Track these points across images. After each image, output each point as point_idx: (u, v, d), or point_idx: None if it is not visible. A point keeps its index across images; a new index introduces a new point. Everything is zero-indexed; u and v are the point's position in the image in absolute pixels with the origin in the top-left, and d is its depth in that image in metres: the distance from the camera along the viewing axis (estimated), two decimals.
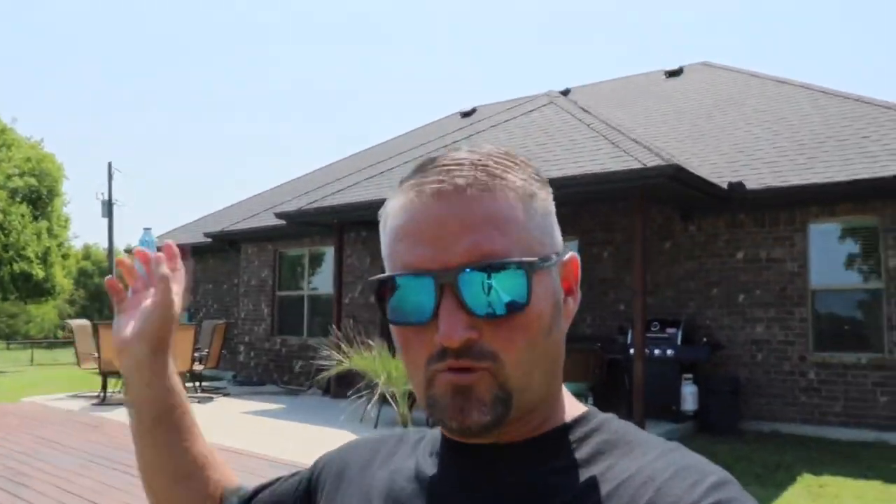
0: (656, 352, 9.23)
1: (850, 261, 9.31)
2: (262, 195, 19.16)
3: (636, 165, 8.59)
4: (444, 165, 0.74)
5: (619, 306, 10.53)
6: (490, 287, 0.69)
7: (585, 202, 10.52)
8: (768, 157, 10.21)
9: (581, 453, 0.73)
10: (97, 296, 50.68)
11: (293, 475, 0.99)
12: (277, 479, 1.00)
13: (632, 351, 8.98)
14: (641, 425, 7.62)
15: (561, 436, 0.75)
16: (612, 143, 9.77)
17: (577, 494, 0.69)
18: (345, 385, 10.35)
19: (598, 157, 9.48)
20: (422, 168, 0.77)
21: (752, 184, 9.45)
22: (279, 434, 8.56)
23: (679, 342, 9.37)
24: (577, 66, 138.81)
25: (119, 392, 11.99)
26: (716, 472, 0.66)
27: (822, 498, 5.96)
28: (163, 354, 0.97)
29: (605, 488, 0.67)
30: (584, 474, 0.70)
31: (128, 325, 0.95)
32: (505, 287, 0.69)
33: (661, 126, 13.07)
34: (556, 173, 9.50)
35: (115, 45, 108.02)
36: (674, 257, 10.22)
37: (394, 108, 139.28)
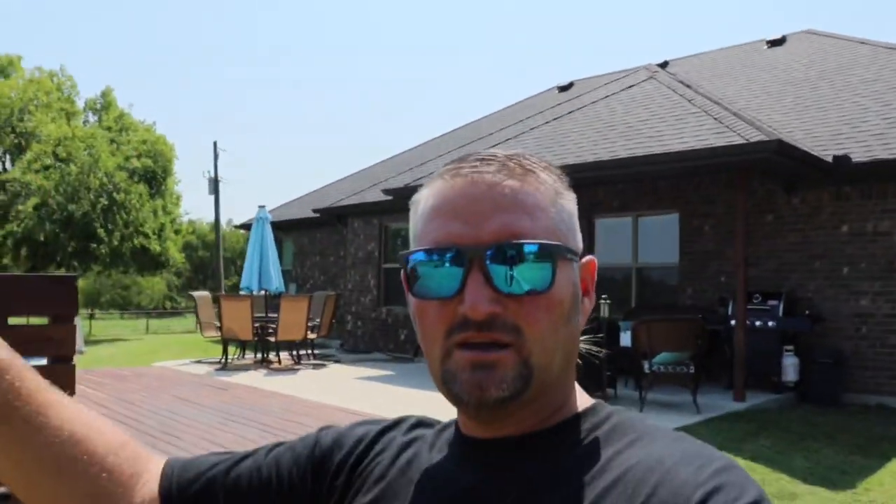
0: (757, 323, 9.35)
1: None
2: (366, 171, 19.86)
3: (738, 140, 8.69)
4: (480, 157, 0.78)
5: (721, 278, 10.65)
6: (517, 266, 0.71)
7: (686, 175, 10.64)
8: (877, 129, 10.07)
9: (591, 441, 0.74)
10: (200, 268, 52.94)
11: (301, 439, 0.96)
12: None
13: (733, 322, 9.14)
14: (742, 395, 7.83)
15: (574, 425, 0.77)
16: (714, 118, 9.85)
17: (587, 480, 0.70)
18: None
19: (700, 132, 9.58)
20: (457, 160, 0.80)
21: (858, 156, 9.38)
22: (389, 397, 9.14)
23: (780, 314, 9.45)
24: (676, 38, 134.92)
25: (238, 359, 12.90)
26: (721, 458, 0.67)
27: None
28: None
29: (613, 473, 0.69)
30: (594, 460, 0.72)
31: None
32: (531, 267, 0.72)
33: (764, 98, 12.95)
34: (658, 149, 9.67)
35: (222, 32, 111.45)
36: (776, 230, 10.24)
37: (491, 83, 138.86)
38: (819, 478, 5.94)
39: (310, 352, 13.12)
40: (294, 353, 12.68)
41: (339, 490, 0.87)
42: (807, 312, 9.62)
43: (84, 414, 0.80)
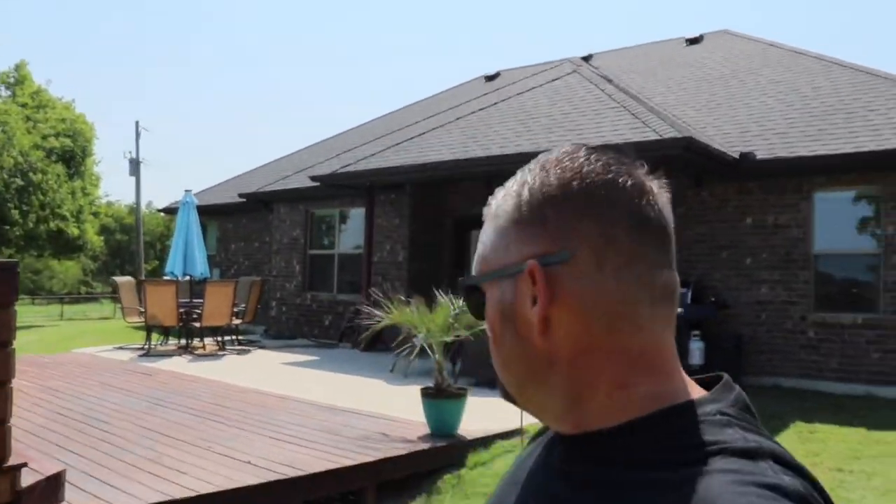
0: None
1: (852, 227, 9.86)
2: (292, 156, 19.81)
3: (653, 136, 9.16)
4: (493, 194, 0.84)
5: None
6: (467, 304, 0.84)
7: None
8: (779, 128, 10.71)
9: (608, 461, 0.71)
10: (118, 252, 51.51)
11: None
12: None
13: None
14: None
15: (594, 438, 0.73)
16: (632, 113, 10.32)
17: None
18: (374, 339, 11.11)
19: (618, 127, 10.04)
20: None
21: (762, 153, 9.98)
22: (317, 381, 9.33)
23: (688, 301, 10.01)
24: (602, 31, 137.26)
25: (162, 344, 12.84)
26: None
27: (811, 442, 6.62)
28: None
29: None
30: (595, 485, 0.70)
31: None
32: (471, 304, 0.83)
33: (681, 94, 13.54)
34: (578, 142, 10.06)
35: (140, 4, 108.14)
36: (686, 222, 10.79)
37: (420, 69, 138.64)
38: None
39: (234, 337, 13.16)
40: (219, 338, 12.70)
41: None
42: (712, 300, 10.22)
43: None
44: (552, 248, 0.73)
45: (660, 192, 0.77)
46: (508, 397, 0.80)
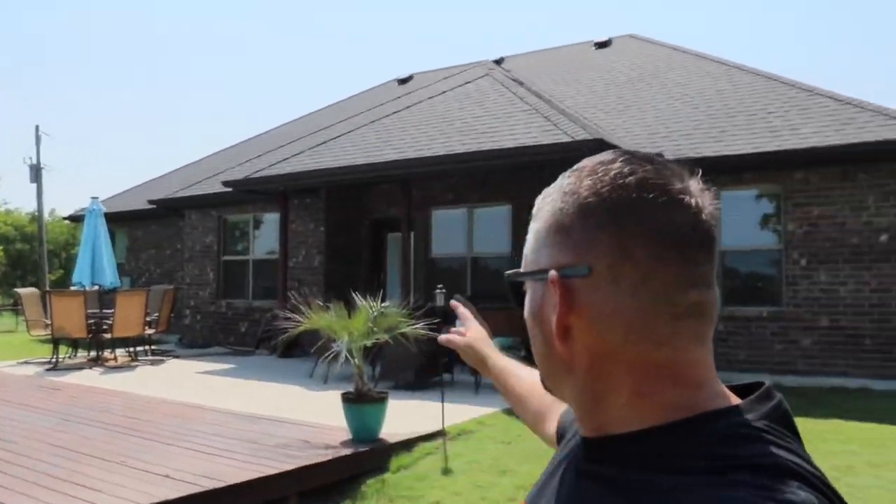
0: None
1: (755, 224, 10.32)
2: (203, 161, 19.40)
3: (564, 139, 9.36)
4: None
5: None
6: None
7: (517, 170, 11.28)
8: (685, 129, 11.10)
9: (631, 468, 0.70)
10: (19, 262, 49.33)
11: None
12: None
13: None
14: None
15: (612, 442, 0.73)
16: (543, 116, 10.52)
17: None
18: (292, 345, 11.00)
19: (530, 129, 10.21)
20: None
21: (669, 154, 10.31)
22: (235, 390, 9.16)
23: None
24: (509, 33, 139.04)
25: (70, 357, 12.35)
26: None
27: None
28: (482, 351, 1.40)
29: None
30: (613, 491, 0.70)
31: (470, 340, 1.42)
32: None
33: (590, 96, 13.86)
34: (490, 145, 10.22)
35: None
36: None
37: (328, 72, 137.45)
38: None
39: (147, 348, 12.78)
40: (131, 349, 12.31)
41: None
42: None
43: (526, 373, 1.33)
44: (574, 259, 0.73)
45: (704, 204, 0.73)
46: (545, 385, 0.83)
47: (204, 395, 8.64)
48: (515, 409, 1.36)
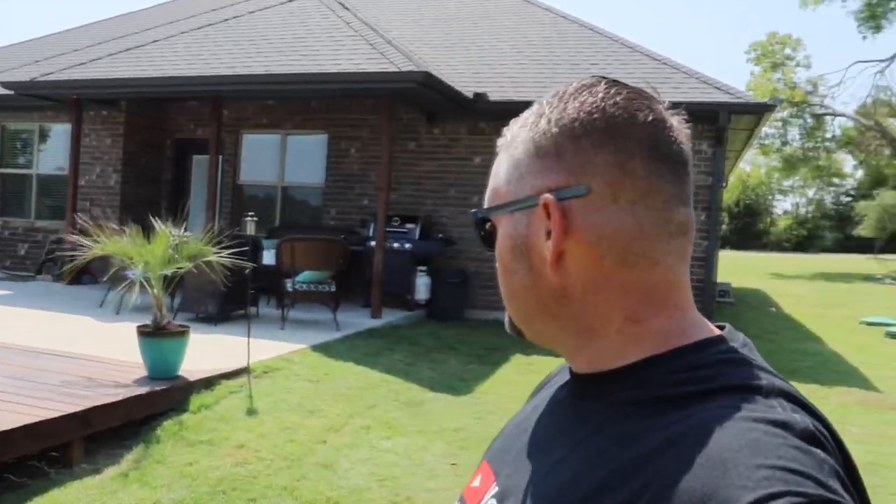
0: (395, 245, 9.95)
1: None
2: None
3: (391, 68, 9.01)
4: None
5: (363, 201, 11.13)
6: (480, 234, 0.81)
7: (338, 98, 10.82)
8: (510, 73, 11.09)
9: (637, 401, 0.69)
10: None
11: None
12: None
13: (372, 243, 9.61)
14: (379, 313, 8.45)
15: (611, 375, 0.72)
16: (370, 44, 10.08)
17: (607, 448, 0.67)
18: (81, 272, 10.02)
19: (354, 56, 9.75)
20: None
21: (494, 95, 10.28)
22: (11, 319, 8.19)
23: (417, 237, 10.15)
24: None
25: None
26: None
27: (529, 373, 7.01)
28: None
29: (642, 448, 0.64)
30: (626, 426, 0.67)
31: None
32: (482, 234, 0.80)
33: (417, 30, 13.53)
34: (312, 68, 9.68)
35: None
36: (417, 157, 10.90)
37: None
38: (444, 385, 6.61)
39: None
40: None
41: None
42: (440, 236, 10.46)
43: None
44: (568, 181, 0.71)
45: (680, 127, 0.75)
46: (514, 329, 0.80)
47: None
48: None
